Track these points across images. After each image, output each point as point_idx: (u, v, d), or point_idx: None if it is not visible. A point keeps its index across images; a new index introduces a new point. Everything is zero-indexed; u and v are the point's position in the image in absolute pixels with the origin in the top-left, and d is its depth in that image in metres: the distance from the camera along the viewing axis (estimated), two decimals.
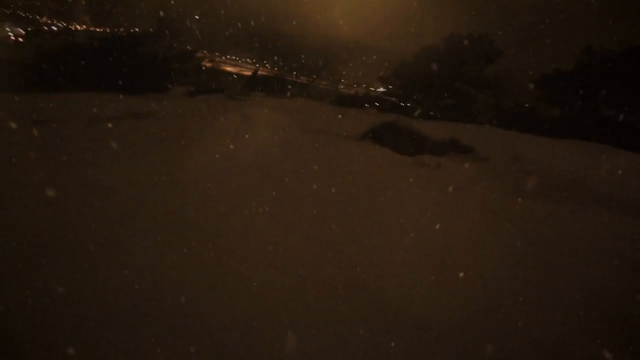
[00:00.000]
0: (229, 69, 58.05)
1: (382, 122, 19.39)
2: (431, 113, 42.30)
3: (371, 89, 56.88)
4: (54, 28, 60.65)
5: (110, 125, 13.11)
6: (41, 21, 61.99)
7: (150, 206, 8.38)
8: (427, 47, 45.16)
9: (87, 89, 21.28)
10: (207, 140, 13.14)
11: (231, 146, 12.00)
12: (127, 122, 13.93)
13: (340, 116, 18.88)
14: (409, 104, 45.56)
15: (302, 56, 53.33)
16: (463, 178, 13.35)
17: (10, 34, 58.45)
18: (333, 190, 10.16)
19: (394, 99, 47.48)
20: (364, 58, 54.76)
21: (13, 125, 11.90)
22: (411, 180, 12.20)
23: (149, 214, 8.20)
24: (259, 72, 46.67)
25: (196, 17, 54.49)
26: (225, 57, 61.89)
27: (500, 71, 45.59)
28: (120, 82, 23.12)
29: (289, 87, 35.32)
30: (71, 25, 60.52)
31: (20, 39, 57.45)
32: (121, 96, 18.75)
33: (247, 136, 13.05)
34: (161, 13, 39.58)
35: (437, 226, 9.42)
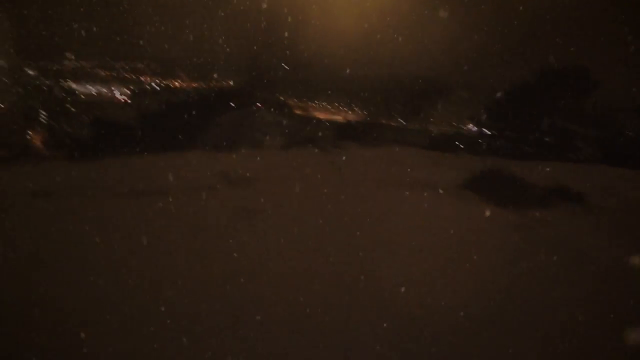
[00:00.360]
0: (320, 115, 58.30)
1: (479, 169, 17.92)
2: (528, 150, 39.81)
3: (462, 127, 54.99)
4: (156, 87, 63.65)
5: (204, 195, 12.91)
6: (144, 80, 65.33)
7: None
8: (517, 80, 42.89)
9: (186, 148, 21.61)
10: (306, 208, 12.53)
11: (332, 212, 11.20)
12: (221, 190, 13.73)
13: (435, 164, 17.69)
14: (503, 143, 43.31)
15: (391, 97, 52.75)
16: (586, 240, 11.78)
17: (116, 94, 62.04)
18: (442, 262, 9.10)
19: (487, 137, 45.33)
20: (453, 95, 53.25)
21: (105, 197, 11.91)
22: (525, 247, 10.82)
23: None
24: (350, 118, 46.51)
25: (285, 67, 55.42)
26: (316, 103, 62.32)
27: (599, 102, 42.57)
28: (216, 138, 23.40)
29: (380, 132, 34.79)
30: (171, 83, 63.27)
31: (126, 99, 60.95)
32: (217, 155, 18.78)
33: (343, 197, 12.26)
34: (251, 64, 40.41)
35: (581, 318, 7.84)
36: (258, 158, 18.57)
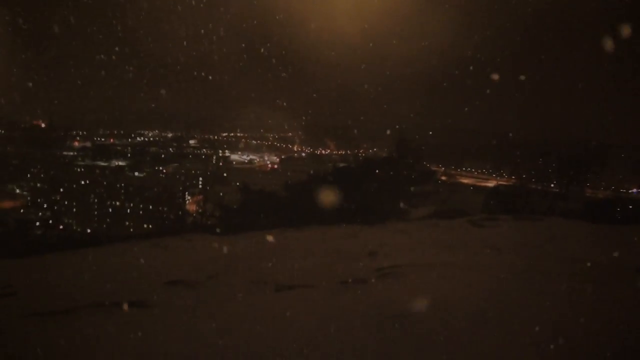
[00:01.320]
0: (465, 181, 55.92)
1: None
2: None
3: (622, 190, 48.70)
4: (303, 154, 65.49)
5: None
6: (292, 148, 67.72)
7: None
8: None
9: (332, 220, 20.62)
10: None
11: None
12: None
13: (608, 243, 14.48)
14: None
15: (542, 160, 48.77)
16: None
17: (267, 161, 64.63)
18: None
19: None
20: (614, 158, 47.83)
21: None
22: None
23: None
24: (499, 184, 43.75)
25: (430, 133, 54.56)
26: (461, 169, 60.16)
27: None
28: (363, 210, 22.24)
29: (535, 200, 31.57)
30: (317, 150, 64.79)
31: (275, 165, 63.49)
32: (362, 232, 17.33)
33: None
34: (396, 135, 39.83)
35: None
36: (407, 236, 16.93)
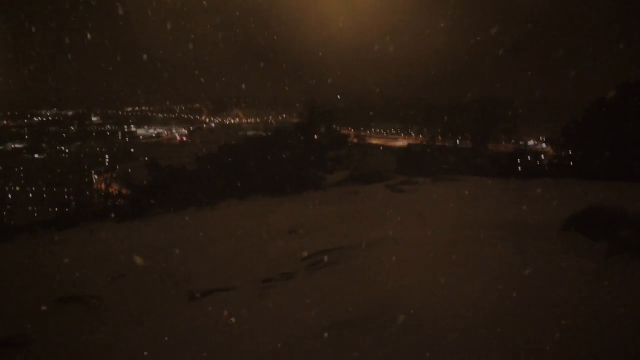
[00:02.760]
0: (376, 142, 56.06)
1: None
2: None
3: (521, 143, 50.79)
4: (212, 125, 63.16)
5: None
6: (201, 120, 65.05)
7: None
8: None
9: (246, 193, 19.33)
10: None
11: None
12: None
13: (521, 196, 14.43)
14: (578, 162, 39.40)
15: (448, 119, 49.62)
16: None
17: (176, 134, 61.66)
18: None
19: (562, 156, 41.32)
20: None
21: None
22: None
23: None
24: (409, 143, 43.99)
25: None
26: (371, 130, 60.28)
27: None
28: (279, 181, 21.06)
29: (445, 158, 31.65)
30: (226, 120, 62.67)
31: (184, 138, 60.63)
32: (280, 205, 16.15)
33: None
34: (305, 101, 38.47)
35: None
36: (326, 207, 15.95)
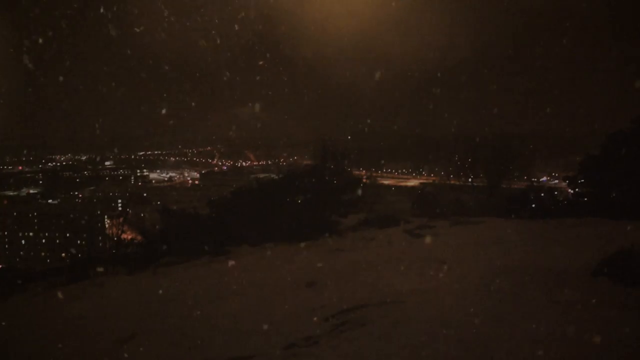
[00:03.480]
0: (387, 182, 55.56)
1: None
2: None
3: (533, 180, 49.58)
4: (224, 168, 63.16)
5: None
6: (213, 163, 65.14)
7: None
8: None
9: (260, 240, 18.65)
10: None
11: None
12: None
13: (544, 238, 13.47)
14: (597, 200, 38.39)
15: (458, 157, 48.90)
16: None
17: (187, 177, 61.68)
18: None
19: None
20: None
21: None
22: None
23: None
24: (421, 184, 43.46)
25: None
26: (381, 171, 59.86)
27: None
28: (293, 226, 20.41)
29: (458, 199, 30.72)
30: (237, 163, 62.70)
31: (196, 181, 60.54)
32: (297, 254, 15.39)
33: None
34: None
35: None
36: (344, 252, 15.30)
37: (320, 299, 8.51)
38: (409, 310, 6.68)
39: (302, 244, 16.41)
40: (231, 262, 13.96)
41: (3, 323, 9.92)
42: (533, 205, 22.96)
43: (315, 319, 7.15)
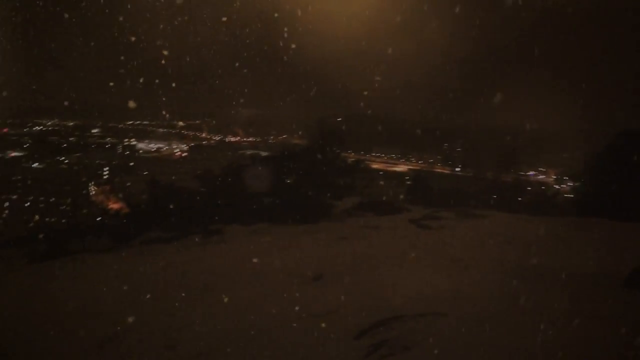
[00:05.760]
0: (376, 166, 54.36)
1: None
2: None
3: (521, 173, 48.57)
4: (212, 142, 61.47)
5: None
6: (201, 136, 63.33)
7: None
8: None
9: (253, 220, 17.29)
10: None
11: None
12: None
13: (556, 237, 12.31)
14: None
15: (448, 145, 47.99)
16: None
17: (176, 150, 59.83)
18: None
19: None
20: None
21: None
22: None
23: None
24: (410, 169, 42.34)
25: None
26: (371, 154, 58.61)
27: None
28: (288, 206, 19.12)
29: (453, 187, 29.54)
30: (226, 138, 61.06)
31: (184, 154, 58.68)
32: (295, 238, 13.98)
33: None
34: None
35: None
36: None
37: (333, 299, 7.20)
38: (454, 326, 5.39)
39: (300, 228, 15.05)
40: (225, 247, 12.59)
41: None
42: (536, 202, 22.09)
43: (332, 328, 5.80)
